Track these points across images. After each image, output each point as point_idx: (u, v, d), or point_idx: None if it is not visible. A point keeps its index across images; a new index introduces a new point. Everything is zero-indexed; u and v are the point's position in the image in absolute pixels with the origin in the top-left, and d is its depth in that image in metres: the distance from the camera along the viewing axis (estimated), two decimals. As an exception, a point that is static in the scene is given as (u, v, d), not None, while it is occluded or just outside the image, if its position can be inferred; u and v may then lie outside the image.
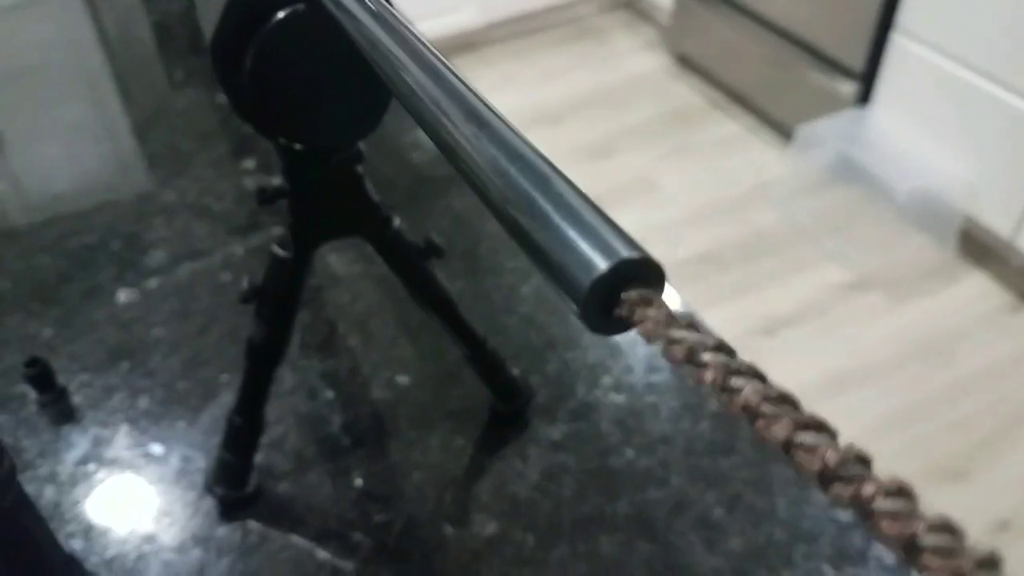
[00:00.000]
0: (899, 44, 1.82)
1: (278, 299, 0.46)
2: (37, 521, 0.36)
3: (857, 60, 1.92)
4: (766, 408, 0.12)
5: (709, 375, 0.12)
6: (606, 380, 0.58)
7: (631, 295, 0.12)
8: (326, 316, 0.64)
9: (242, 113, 0.38)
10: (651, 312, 0.12)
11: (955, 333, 1.67)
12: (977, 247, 1.83)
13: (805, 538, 0.49)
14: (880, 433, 1.49)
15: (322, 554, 0.49)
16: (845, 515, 0.50)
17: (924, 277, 1.79)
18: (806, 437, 0.11)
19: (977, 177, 1.72)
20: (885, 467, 0.10)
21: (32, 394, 0.58)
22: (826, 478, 0.11)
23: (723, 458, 0.53)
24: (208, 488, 0.52)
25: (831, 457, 0.10)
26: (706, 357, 0.12)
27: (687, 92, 2.47)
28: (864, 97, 1.96)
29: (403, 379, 0.59)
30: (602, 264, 0.13)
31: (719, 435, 0.54)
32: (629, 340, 0.61)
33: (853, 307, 1.75)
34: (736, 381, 0.12)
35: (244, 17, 0.35)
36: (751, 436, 0.54)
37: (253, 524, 0.51)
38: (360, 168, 0.43)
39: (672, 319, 0.12)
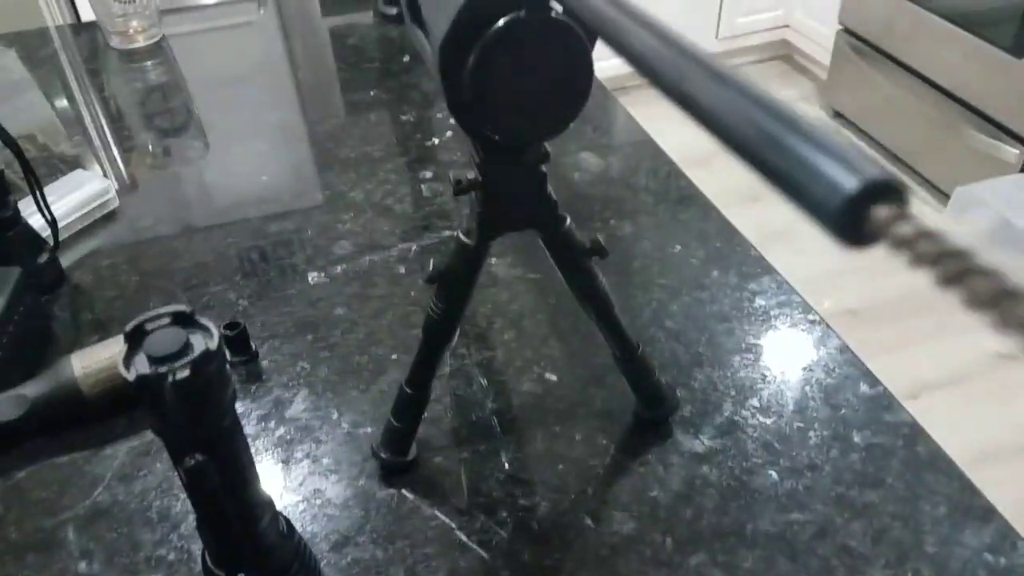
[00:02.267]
0: (1080, 108, 1.72)
1: (457, 281, 0.50)
2: (246, 445, 0.41)
3: (1028, 123, 1.83)
4: (1002, 302, 0.14)
5: (945, 278, 0.14)
6: (754, 401, 0.59)
7: (882, 210, 0.15)
8: (486, 312, 0.69)
9: (456, 108, 0.43)
10: (901, 226, 0.15)
11: (1122, 421, 1.54)
12: None
13: (954, 580, 0.48)
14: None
15: (469, 525, 0.53)
16: (997, 559, 0.48)
17: (1090, 357, 1.66)
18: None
19: None
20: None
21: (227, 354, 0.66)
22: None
23: (871, 491, 0.53)
24: (374, 452, 0.57)
25: None
26: (949, 265, 0.14)
27: (837, 144, 2.42)
28: (1034, 163, 1.86)
29: (551, 376, 0.63)
30: (852, 182, 0.15)
31: (869, 467, 0.54)
32: (779, 366, 0.62)
33: (1006, 378, 1.64)
34: (972, 280, 0.14)
35: (473, 21, 0.40)
36: (902, 471, 0.54)
37: (408, 493, 0.56)
38: (545, 167, 0.48)
39: (921, 231, 0.14)
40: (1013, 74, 1.83)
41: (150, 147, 1.00)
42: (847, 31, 2.39)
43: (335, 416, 0.61)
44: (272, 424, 0.61)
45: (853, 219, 0.15)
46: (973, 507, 0.52)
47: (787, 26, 2.75)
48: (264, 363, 0.65)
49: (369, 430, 0.59)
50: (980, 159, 1.97)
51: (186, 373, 0.35)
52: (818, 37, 2.59)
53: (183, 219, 0.84)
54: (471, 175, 0.48)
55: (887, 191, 0.15)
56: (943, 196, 2.11)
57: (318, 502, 0.55)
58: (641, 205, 0.82)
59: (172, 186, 0.92)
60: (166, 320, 0.37)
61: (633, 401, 0.59)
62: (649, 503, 0.54)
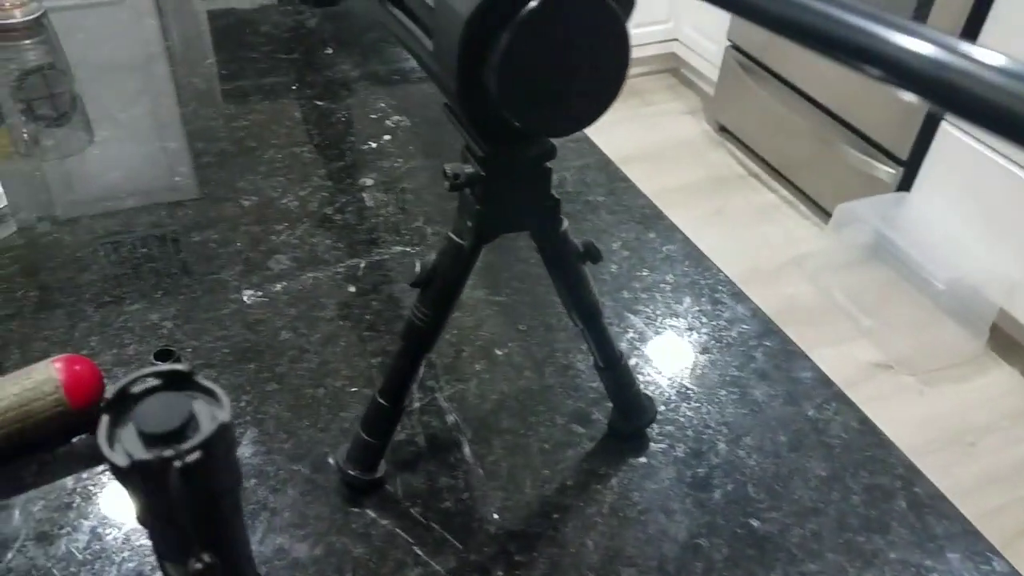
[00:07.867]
0: (947, 134, 1.86)
1: (447, 284, 0.46)
2: (243, 528, 0.34)
3: (903, 146, 1.96)
4: None
5: None
6: (747, 440, 0.57)
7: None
8: (451, 339, 0.63)
9: (468, 96, 0.38)
10: None
11: (982, 425, 1.68)
12: (1008, 341, 1.84)
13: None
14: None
15: (462, 589, 0.47)
16: (1006, 607, 0.49)
17: (955, 365, 1.80)
18: None
19: (1015, 272, 1.74)
20: None
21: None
22: None
23: (879, 537, 0.52)
24: (339, 468, 0.51)
25: None
26: None
27: (726, 159, 2.51)
28: (906, 183, 1.99)
29: (529, 413, 0.58)
30: None
31: (871, 511, 0.53)
32: (772, 404, 0.60)
33: (883, 387, 1.75)
34: None
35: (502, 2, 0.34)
36: (905, 514, 0.53)
37: (387, 546, 0.49)
38: (549, 164, 0.44)
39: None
40: (887, 94, 1.95)
41: (36, 138, 0.86)
42: (735, 48, 2.48)
43: (293, 460, 0.53)
44: (215, 472, 0.52)
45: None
46: (978, 551, 0.51)
47: (676, 39, 2.82)
48: (201, 399, 0.56)
49: (331, 477, 0.52)
50: (857, 177, 2.09)
51: (196, 456, 0.27)
52: (706, 52, 2.67)
53: (87, 224, 0.72)
54: (468, 169, 0.42)
55: None
56: (822, 211, 2.23)
57: (281, 563, 0.48)
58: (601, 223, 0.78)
59: (68, 185, 0.79)
60: (156, 382, 0.29)
61: (610, 416, 0.56)
62: (657, 556, 0.50)
